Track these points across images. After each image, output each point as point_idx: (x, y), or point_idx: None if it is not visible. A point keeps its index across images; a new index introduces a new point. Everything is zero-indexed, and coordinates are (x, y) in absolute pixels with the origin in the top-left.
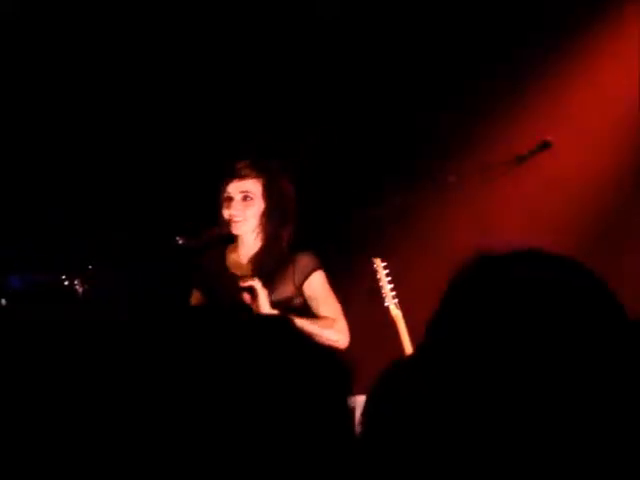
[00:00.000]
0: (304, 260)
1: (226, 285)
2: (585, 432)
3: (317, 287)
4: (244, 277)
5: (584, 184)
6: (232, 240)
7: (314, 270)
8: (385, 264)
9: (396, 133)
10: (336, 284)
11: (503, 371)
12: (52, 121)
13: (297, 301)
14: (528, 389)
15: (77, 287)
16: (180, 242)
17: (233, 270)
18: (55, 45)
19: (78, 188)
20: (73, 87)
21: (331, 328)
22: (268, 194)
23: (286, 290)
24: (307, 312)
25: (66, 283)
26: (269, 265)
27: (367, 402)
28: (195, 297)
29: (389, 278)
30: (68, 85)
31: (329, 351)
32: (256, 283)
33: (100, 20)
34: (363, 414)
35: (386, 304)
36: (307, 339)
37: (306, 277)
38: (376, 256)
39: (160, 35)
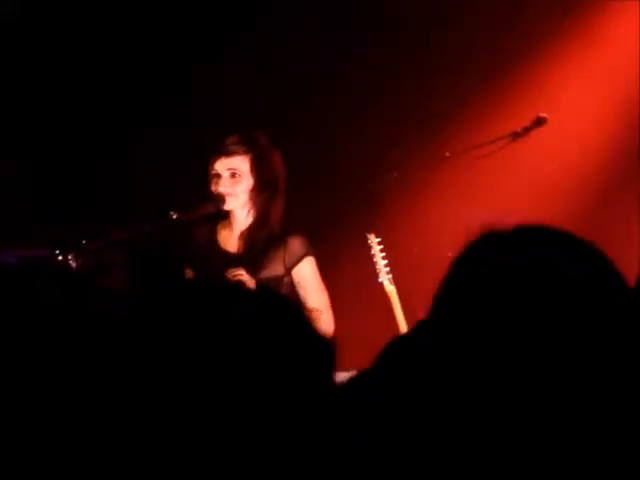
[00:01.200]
0: (295, 244)
1: (216, 261)
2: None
3: (306, 275)
4: (234, 257)
5: (580, 160)
6: (225, 216)
7: (305, 256)
8: (379, 240)
9: (392, 109)
10: (330, 260)
11: (504, 358)
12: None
13: (287, 280)
14: (530, 378)
15: (71, 262)
16: (174, 217)
17: (224, 246)
18: (53, 43)
19: (73, 163)
20: (69, 81)
21: (318, 321)
22: (257, 170)
23: (276, 269)
24: (295, 294)
25: (60, 258)
26: (259, 242)
27: (364, 380)
28: (186, 273)
29: (383, 254)
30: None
31: (314, 328)
32: (244, 275)
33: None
34: (359, 394)
35: (380, 280)
36: (295, 316)
37: (296, 263)
38: (370, 231)
39: (152, 30)
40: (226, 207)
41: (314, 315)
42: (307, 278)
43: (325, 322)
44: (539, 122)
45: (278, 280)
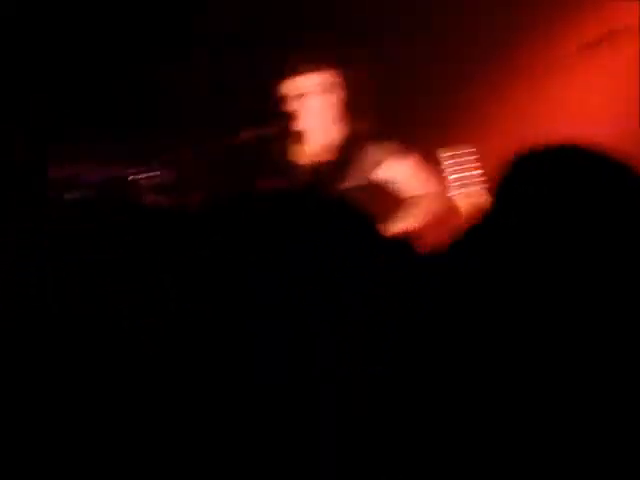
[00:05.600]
0: (375, 151)
1: (296, 173)
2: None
3: (392, 174)
4: (314, 168)
5: None
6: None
7: (386, 159)
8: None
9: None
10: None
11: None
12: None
13: (371, 188)
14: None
15: (152, 178)
16: (245, 136)
17: (303, 158)
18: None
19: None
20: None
21: (429, 204)
22: (331, 88)
23: (359, 178)
24: (388, 195)
25: (138, 176)
26: (338, 155)
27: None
28: (265, 184)
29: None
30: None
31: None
32: None
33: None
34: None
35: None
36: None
37: (378, 168)
38: None
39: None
40: (299, 127)
41: (421, 201)
42: (394, 177)
43: (432, 203)
44: None
45: (362, 189)
